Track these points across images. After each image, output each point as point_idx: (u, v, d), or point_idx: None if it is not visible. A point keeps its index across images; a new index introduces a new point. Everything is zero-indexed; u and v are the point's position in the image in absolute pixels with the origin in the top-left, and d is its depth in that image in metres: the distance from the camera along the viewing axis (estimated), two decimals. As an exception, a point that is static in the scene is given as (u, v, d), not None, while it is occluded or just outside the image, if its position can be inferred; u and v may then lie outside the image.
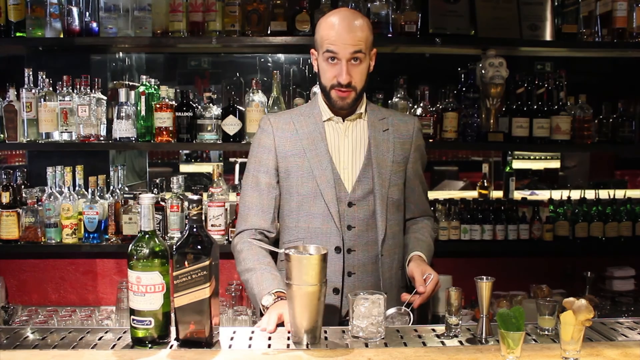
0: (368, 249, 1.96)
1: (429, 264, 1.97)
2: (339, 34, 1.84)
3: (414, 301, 1.81)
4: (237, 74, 4.15)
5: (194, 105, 2.95)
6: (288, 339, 1.59)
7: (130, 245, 1.51)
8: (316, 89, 2.94)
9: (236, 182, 3.86)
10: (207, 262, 1.48)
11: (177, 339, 1.53)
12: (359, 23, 1.87)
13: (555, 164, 5.31)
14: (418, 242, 2.02)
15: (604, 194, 3.29)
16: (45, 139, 2.88)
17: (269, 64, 4.09)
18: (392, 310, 1.82)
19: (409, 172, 2.06)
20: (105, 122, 2.97)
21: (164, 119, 2.86)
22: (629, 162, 5.33)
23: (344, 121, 1.99)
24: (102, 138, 2.94)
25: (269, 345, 1.55)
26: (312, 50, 1.97)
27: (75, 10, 2.91)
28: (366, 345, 1.55)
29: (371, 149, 1.98)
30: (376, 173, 1.96)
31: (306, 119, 2.00)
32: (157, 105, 2.87)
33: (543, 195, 3.73)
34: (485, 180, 3.57)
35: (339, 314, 1.94)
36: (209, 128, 2.91)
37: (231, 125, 2.90)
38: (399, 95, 3.02)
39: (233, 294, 2.94)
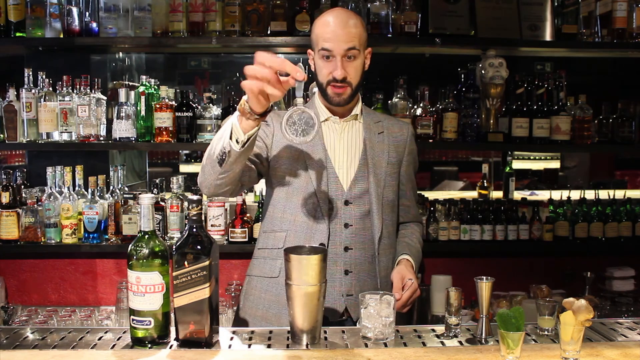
0: (365, 247, 1.99)
1: (416, 269, 2.02)
2: (333, 31, 1.88)
3: None
4: (237, 74, 4.14)
5: (194, 105, 2.95)
6: (288, 339, 1.59)
7: (130, 245, 1.51)
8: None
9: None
10: (207, 262, 1.48)
11: (176, 339, 1.53)
12: (352, 21, 1.91)
13: (555, 164, 5.31)
14: (407, 247, 2.08)
15: (603, 194, 3.29)
16: (45, 139, 2.88)
17: (269, 64, 4.08)
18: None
19: (402, 176, 2.10)
20: (105, 122, 2.97)
21: (163, 119, 2.86)
22: (629, 162, 5.34)
23: (340, 121, 2.02)
24: (102, 138, 2.94)
25: (269, 346, 1.55)
26: (309, 51, 2.02)
27: (75, 10, 2.91)
28: (366, 345, 1.55)
29: (367, 149, 2.02)
30: (372, 173, 2.00)
31: None
32: (157, 106, 2.87)
33: (543, 195, 3.73)
34: (485, 181, 3.57)
35: (338, 312, 1.95)
36: (209, 128, 2.91)
37: (231, 125, 2.90)
38: (398, 96, 3.02)
39: (233, 294, 2.94)
